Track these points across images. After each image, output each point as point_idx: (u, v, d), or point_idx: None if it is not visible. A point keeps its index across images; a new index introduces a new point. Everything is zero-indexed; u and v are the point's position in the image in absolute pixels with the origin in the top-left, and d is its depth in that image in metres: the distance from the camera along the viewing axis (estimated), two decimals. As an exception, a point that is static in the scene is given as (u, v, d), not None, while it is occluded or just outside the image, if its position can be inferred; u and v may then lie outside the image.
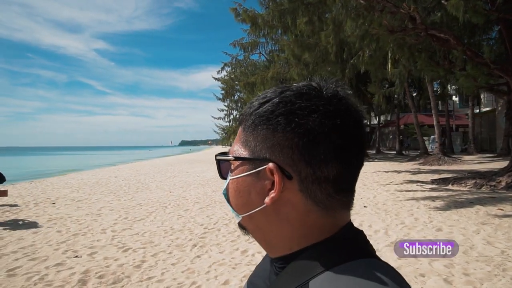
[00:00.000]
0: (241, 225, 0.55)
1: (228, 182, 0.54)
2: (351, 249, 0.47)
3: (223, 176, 0.56)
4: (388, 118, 37.78)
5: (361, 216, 6.63)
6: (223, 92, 35.51)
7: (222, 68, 34.36)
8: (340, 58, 12.56)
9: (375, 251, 0.50)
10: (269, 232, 0.51)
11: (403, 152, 27.69)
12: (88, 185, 13.68)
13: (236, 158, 0.52)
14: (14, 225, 6.80)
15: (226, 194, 0.55)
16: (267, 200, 0.47)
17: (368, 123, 37.09)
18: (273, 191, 0.47)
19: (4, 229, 6.43)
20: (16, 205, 9.10)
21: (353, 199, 0.51)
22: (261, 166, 0.48)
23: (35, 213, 7.95)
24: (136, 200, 9.73)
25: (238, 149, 0.52)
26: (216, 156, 0.57)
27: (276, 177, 0.46)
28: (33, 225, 6.76)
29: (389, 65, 12.89)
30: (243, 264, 4.45)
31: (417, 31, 8.77)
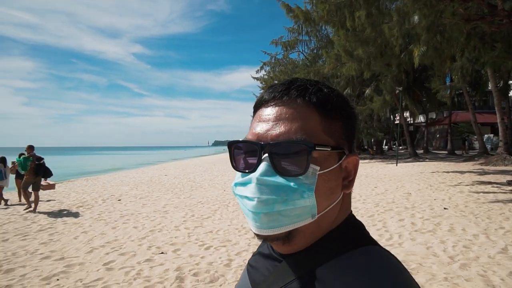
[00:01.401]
0: (287, 234, 0.48)
1: (317, 176, 0.47)
2: (357, 236, 0.51)
3: (288, 170, 0.47)
4: (433, 117, 35.77)
5: (446, 219, 6.13)
6: (262, 91, 35.32)
7: (261, 68, 34.29)
8: (399, 52, 11.91)
9: (374, 240, 0.52)
10: (328, 223, 0.50)
11: (461, 152, 26.02)
12: (143, 183, 14.08)
13: (333, 148, 0.48)
14: (92, 220, 7.02)
15: (312, 193, 0.46)
16: (346, 189, 0.49)
17: (412, 121, 35.40)
18: (349, 179, 0.49)
19: (84, 223, 6.66)
20: (83, 202, 9.48)
21: None
22: (343, 157, 0.48)
23: (106, 209, 8.20)
24: (195, 198, 9.79)
25: (323, 136, 0.48)
26: (291, 141, 0.47)
27: (356, 166, 0.49)
28: (109, 220, 6.95)
29: (449, 59, 12.07)
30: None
31: (498, 18, 8.04)
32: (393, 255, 0.48)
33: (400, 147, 42.51)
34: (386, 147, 42.84)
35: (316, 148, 0.46)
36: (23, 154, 9.12)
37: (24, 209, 8.34)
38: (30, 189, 8.49)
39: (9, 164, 9.93)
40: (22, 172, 8.61)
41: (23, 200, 9.38)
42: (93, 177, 21.72)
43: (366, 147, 38.09)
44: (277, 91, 0.52)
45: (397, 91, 18.72)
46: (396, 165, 17.96)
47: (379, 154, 28.22)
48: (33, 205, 8.22)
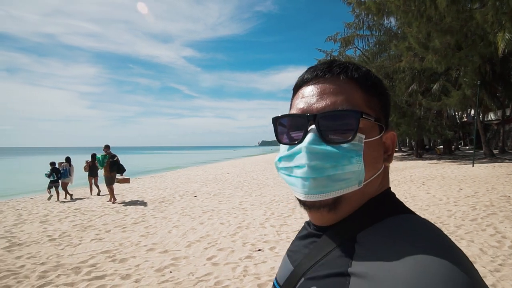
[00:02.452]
0: (335, 199, 0.50)
1: (364, 144, 0.49)
2: (396, 205, 0.53)
3: (345, 131, 0.50)
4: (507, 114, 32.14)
5: None
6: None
7: (316, 66, 33.61)
8: (492, 39, 10.78)
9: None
10: (371, 193, 0.52)
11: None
12: (209, 180, 14.43)
13: (376, 120, 0.51)
14: (177, 215, 7.25)
15: (361, 158, 0.49)
16: (387, 163, 0.52)
17: (482, 118, 32.19)
18: (388, 153, 0.52)
19: (172, 218, 6.88)
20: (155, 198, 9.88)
21: None
22: (383, 130, 0.51)
23: (187, 204, 8.45)
24: (266, 196, 9.73)
25: (365, 108, 0.51)
26: (347, 111, 0.49)
27: (394, 142, 0.51)
28: (194, 216, 7.11)
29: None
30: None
31: None
32: (433, 224, 0.48)
33: (467, 147, 39.04)
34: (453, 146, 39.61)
35: (363, 116, 0.49)
36: (95, 153, 10.82)
37: (108, 200, 9.39)
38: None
39: (73, 164, 11.13)
40: (101, 168, 9.65)
41: (93, 194, 10.94)
42: (157, 174, 22.88)
43: (427, 146, 35.56)
44: (319, 69, 0.54)
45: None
46: (473, 165, 16.41)
47: (447, 154, 26.11)
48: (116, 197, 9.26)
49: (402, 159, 25.50)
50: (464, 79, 14.75)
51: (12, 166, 49.05)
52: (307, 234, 0.58)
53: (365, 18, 21.99)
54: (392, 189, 0.57)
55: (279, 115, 0.55)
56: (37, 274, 3.98)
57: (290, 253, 0.60)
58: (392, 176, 14.14)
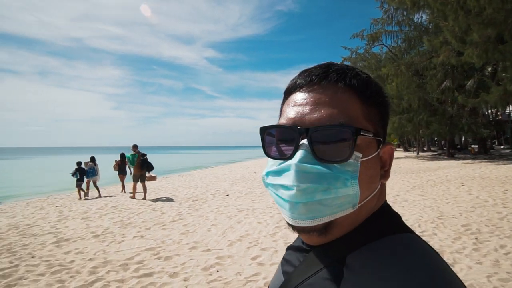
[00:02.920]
0: (325, 225, 0.46)
1: (359, 164, 0.45)
2: (392, 224, 0.49)
3: (338, 153, 0.44)
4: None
5: None
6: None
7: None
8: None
9: (410, 229, 0.50)
10: (364, 214, 0.48)
11: None
12: (238, 179, 14.43)
13: (374, 135, 0.46)
14: (213, 213, 7.23)
15: (356, 181, 0.44)
16: (383, 180, 0.48)
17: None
18: (385, 169, 0.48)
19: (208, 216, 6.87)
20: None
21: None
22: (380, 145, 0.47)
23: (220, 203, 8.44)
24: (299, 196, 9.57)
25: (362, 122, 0.46)
26: (340, 123, 0.44)
27: (392, 156, 0.47)
28: (229, 214, 7.07)
29: None
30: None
31: None
32: (431, 246, 0.45)
33: (502, 147, 37.08)
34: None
35: (361, 133, 0.44)
36: (123, 153, 11.45)
37: (130, 197, 9.86)
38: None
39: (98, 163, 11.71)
40: (131, 167, 10.14)
41: (124, 191, 11.59)
42: (184, 173, 23.20)
43: (458, 145, 34.10)
44: (314, 74, 0.49)
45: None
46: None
47: (482, 153, 24.90)
48: (141, 193, 9.68)
49: (432, 158, 24.58)
50: (505, 74, 13.96)
51: (45, 164, 51.29)
52: (298, 247, 0.55)
53: (394, 14, 21.34)
54: (429, 190, 0.50)
55: (267, 125, 0.50)
56: (88, 270, 4.03)
57: (284, 262, 0.58)
58: (426, 176, 13.62)
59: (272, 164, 0.49)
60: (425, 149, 39.36)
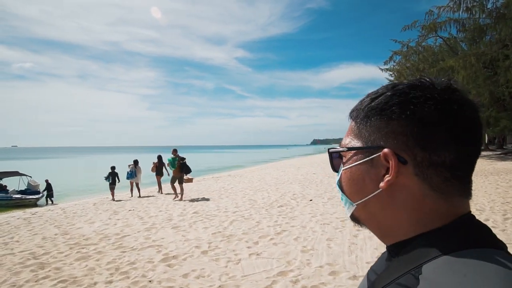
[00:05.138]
0: (353, 217, 0.56)
1: (341, 173, 0.56)
2: (471, 237, 0.45)
3: (335, 169, 0.59)
4: None
5: None
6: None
7: (391, 58, 30.91)
8: None
9: (502, 243, 0.47)
10: (384, 219, 0.51)
11: None
12: (301, 180, 13.41)
13: (350, 149, 0.54)
14: (314, 223, 6.27)
15: (340, 185, 0.57)
16: (382, 184, 0.48)
17: None
18: (388, 175, 0.48)
19: (316, 229, 5.91)
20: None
21: (471, 188, 0.50)
22: (375, 154, 0.50)
23: (313, 211, 7.42)
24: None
25: (351, 141, 0.55)
26: (328, 149, 0.59)
27: (392, 161, 0.47)
28: (337, 226, 6.06)
29: None
30: None
31: None
32: None
33: None
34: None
35: (331, 150, 0.58)
36: (161, 155, 12.36)
37: (173, 199, 10.10)
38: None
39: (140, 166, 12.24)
40: (172, 169, 10.55)
41: (163, 191, 12.27)
42: (233, 172, 22.57)
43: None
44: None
45: None
46: None
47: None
48: (179, 195, 10.11)
49: (501, 158, 22.22)
50: None
51: (88, 163, 53.06)
52: (385, 256, 0.57)
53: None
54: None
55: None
56: (228, 304, 3.18)
57: (370, 271, 0.59)
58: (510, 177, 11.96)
59: None
60: (482, 148, 36.35)
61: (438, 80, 0.50)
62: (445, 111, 0.47)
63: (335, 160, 0.58)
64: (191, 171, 10.88)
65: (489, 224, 5.92)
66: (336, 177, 0.58)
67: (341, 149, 0.55)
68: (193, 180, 12.27)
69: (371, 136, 0.51)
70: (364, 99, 0.55)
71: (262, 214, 7.15)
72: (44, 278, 3.98)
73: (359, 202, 0.53)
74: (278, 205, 8.13)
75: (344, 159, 0.55)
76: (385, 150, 0.48)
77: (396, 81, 0.54)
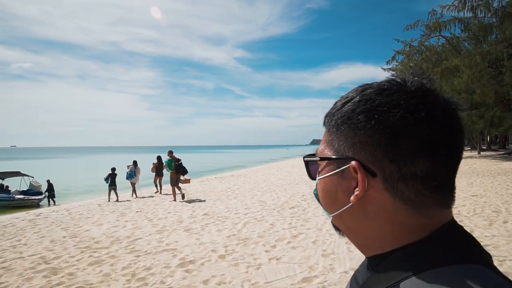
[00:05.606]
0: (334, 225, 0.55)
1: (317, 182, 0.54)
2: (451, 251, 0.43)
3: (312, 176, 0.57)
4: None
5: None
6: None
7: (393, 57, 30.80)
8: None
9: (486, 255, 0.44)
10: (359, 232, 0.50)
11: None
12: (306, 181, 13.25)
13: (322, 159, 0.52)
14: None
15: (317, 194, 0.55)
16: (352, 198, 0.47)
17: None
18: (357, 188, 0.46)
19: (333, 232, 5.76)
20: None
21: (453, 197, 0.47)
22: (345, 165, 0.48)
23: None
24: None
25: (324, 150, 0.53)
26: (304, 157, 0.57)
27: (359, 175, 0.45)
28: (319, 225, 5.91)
29: None
30: None
31: None
32: (498, 276, 0.40)
33: None
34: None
35: (306, 159, 0.56)
36: (160, 156, 12.38)
37: (170, 200, 9.99)
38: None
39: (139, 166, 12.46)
40: (169, 171, 10.57)
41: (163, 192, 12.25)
42: (235, 172, 22.39)
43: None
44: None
45: None
46: None
47: None
48: (177, 196, 10.11)
49: (505, 158, 22.11)
50: None
51: (87, 164, 52.83)
52: (366, 264, 0.56)
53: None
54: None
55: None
56: (256, 313, 3.01)
57: (353, 277, 0.59)
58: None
59: None
60: (484, 148, 36.23)
61: (411, 79, 0.47)
62: (411, 120, 0.43)
63: (313, 167, 0.57)
64: (187, 172, 10.98)
65: (509, 226, 5.78)
66: (313, 185, 0.57)
67: (313, 158, 0.54)
68: (194, 180, 12.30)
69: (341, 145, 0.49)
70: (336, 103, 0.52)
71: (274, 216, 6.99)
72: (58, 284, 3.81)
73: (334, 213, 0.51)
74: (289, 207, 7.97)
75: (319, 168, 0.54)
76: (353, 162, 0.46)
77: (366, 84, 0.51)
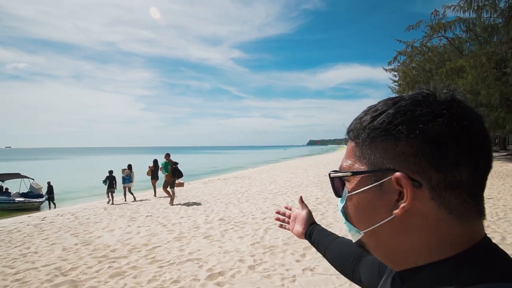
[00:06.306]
0: (360, 242, 0.53)
1: (346, 199, 0.52)
2: (487, 269, 0.42)
3: (338, 194, 0.55)
4: None
5: None
6: (396, 84, 32.16)
7: (395, 58, 30.73)
8: None
9: None
10: (393, 246, 0.48)
11: None
12: (316, 184, 13.01)
13: (355, 173, 0.50)
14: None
15: (344, 212, 0.53)
16: (396, 211, 0.45)
17: None
18: (403, 201, 0.45)
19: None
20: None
21: (484, 206, 0.47)
22: (385, 178, 0.47)
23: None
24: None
25: (353, 164, 0.51)
26: (329, 174, 0.55)
27: (406, 186, 0.44)
28: (343, 231, 5.66)
29: None
30: None
31: None
32: None
33: None
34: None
35: (333, 175, 0.54)
36: (156, 159, 12.58)
37: (169, 203, 9.84)
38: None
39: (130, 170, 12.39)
40: (165, 174, 10.64)
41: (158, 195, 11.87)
42: (237, 173, 22.09)
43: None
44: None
45: None
46: None
47: None
48: (169, 199, 10.07)
49: (510, 160, 22.04)
50: None
51: (84, 165, 52.25)
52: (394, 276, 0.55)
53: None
54: None
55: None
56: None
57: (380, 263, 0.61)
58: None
59: None
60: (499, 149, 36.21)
61: (439, 91, 0.48)
62: (457, 128, 0.44)
63: (337, 184, 0.54)
64: (182, 176, 11.11)
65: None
66: (338, 203, 0.54)
67: (344, 173, 0.52)
68: (197, 182, 12.44)
69: (377, 158, 0.48)
70: (363, 118, 0.51)
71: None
72: (80, 300, 3.52)
73: (367, 230, 0.50)
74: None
75: (348, 185, 0.51)
76: (397, 173, 0.45)
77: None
